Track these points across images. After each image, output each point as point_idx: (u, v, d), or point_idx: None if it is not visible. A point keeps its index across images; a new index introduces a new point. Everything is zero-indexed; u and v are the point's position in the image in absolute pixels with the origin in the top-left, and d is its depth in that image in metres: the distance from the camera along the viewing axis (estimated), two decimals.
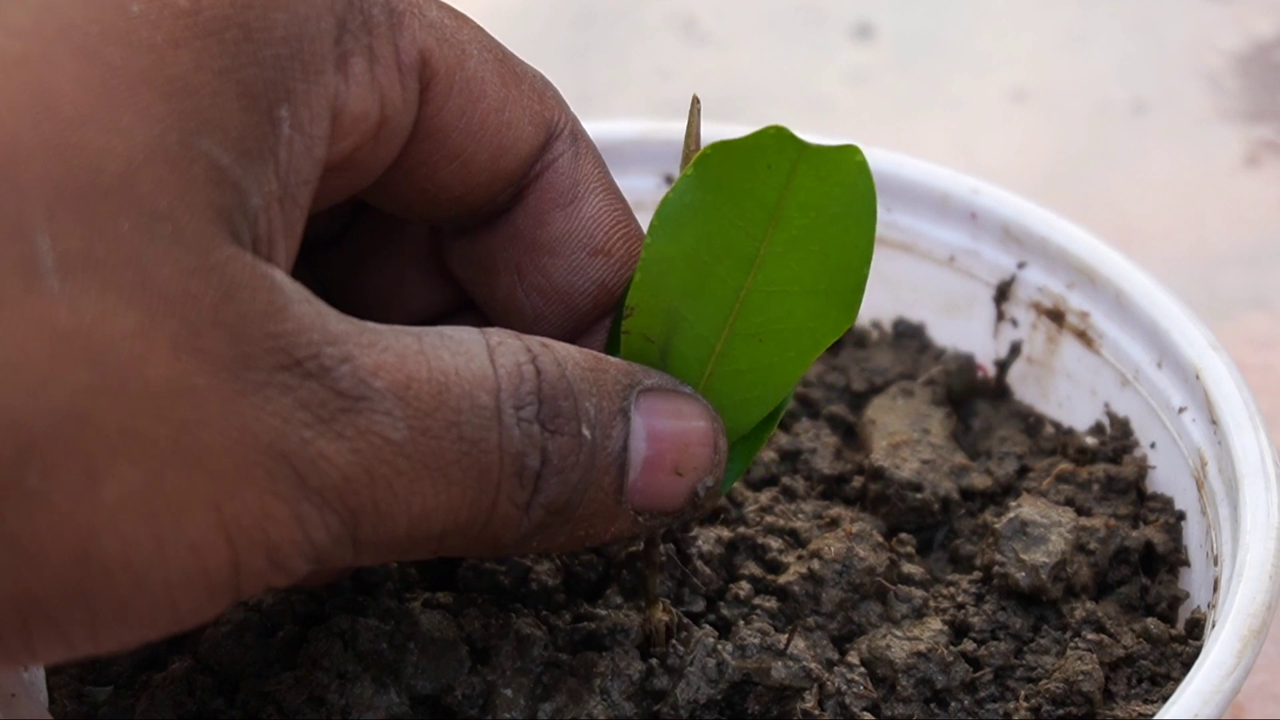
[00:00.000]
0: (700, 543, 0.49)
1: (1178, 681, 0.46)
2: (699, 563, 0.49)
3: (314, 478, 0.36)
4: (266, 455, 0.35)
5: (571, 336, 0.44)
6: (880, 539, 0.50)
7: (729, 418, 0.43)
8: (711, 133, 0.45)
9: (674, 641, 0.46)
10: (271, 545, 0.36)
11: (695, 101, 0.44)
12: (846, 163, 0.40)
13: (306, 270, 0.47)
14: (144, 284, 0.34)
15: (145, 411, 0.34)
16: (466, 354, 0.38)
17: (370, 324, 0.37)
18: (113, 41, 0.35)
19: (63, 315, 0.33)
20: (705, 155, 0.41)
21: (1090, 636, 0.47)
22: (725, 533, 0.50)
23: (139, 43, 0.35)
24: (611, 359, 0.41)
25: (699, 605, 0.48)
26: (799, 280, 0.42)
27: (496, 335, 0.39)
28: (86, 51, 0.35)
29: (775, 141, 0.40)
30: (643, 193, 0.58)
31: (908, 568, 0.49)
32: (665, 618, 0.46)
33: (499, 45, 0.43)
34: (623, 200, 0.45)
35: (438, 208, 0.43)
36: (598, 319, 0.44)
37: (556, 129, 0.44)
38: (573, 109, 0.45)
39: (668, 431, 0.41)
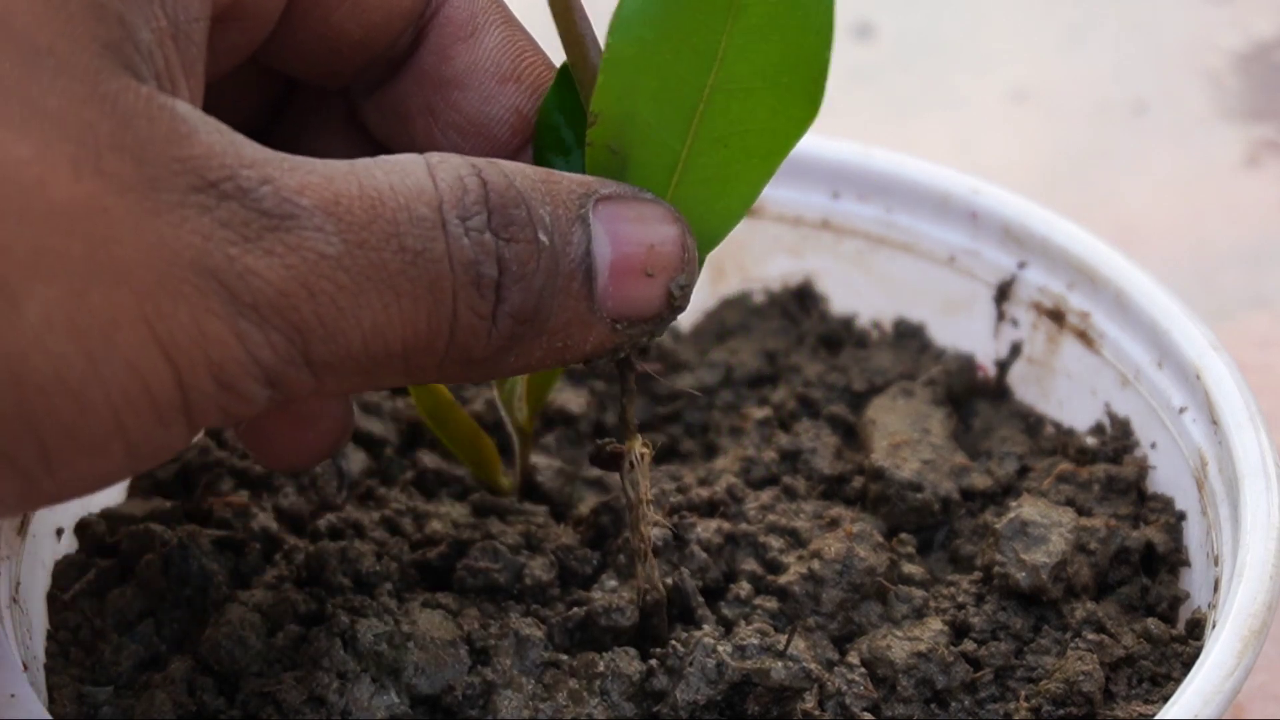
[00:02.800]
0: (699, 529, 0.49)
1: (1178, 682, 0.46)
2: (695, 546, 0.49)
3: (246, 294, 0.35)
4: (191, 271, 0.35)
5: None
6: (880, 539, 0.50)
7: (697, 229, 0.42)
8: None
9: (674, 642, 0.46)
10: (214, 364, 0.35)
11: None
12: None
13: None
14: (34, 115, 0.34)
15: (54, 230, 0.34)
16: (401, 171, 0.38)
17: (295, 155, 0.37)
18: None
19: None
20: None
21: (1091, 637, 0.47)
22: (725, 524, 0.50)
23: None
24: (564, 173, 0.40)
25: (696, 595, 0.48)
26: (761, 74, 0.41)
27: (437, 155, 0.39)
28: None
29: None
30: None
31: (908, 568, 0.49)
32: (645, 451, 0.45)
33: None
34: (525, 31, 0.44)
35: (342, 58, 0.43)
36: (520, 147, 0.44)
37: None
38: None
39: (632, 235, 0.41)
